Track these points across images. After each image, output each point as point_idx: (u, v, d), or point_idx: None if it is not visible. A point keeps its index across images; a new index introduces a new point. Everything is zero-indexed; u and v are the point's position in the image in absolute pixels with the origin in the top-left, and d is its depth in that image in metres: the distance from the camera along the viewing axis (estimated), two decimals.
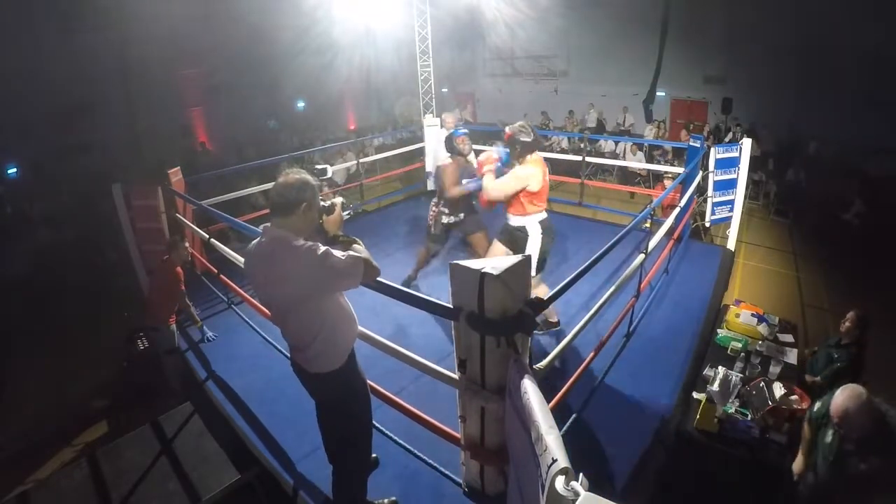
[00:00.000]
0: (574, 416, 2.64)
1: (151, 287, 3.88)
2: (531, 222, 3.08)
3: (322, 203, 1.84)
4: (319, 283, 1.67)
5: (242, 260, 1.86)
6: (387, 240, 5.42)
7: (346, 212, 2.01)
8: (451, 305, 1.73)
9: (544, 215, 3.11)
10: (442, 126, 5.76)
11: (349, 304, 1.90)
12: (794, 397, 2.66)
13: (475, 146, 3.95)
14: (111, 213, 4.36)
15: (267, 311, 2.14)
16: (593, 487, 0.94)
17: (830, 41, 8.55)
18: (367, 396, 2.02)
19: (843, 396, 2.03)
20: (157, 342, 3.73)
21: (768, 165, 8.83)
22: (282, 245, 1.65)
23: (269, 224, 1.73)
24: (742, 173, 4.71)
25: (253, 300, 3.19)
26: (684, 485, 2.51)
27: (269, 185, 5.55)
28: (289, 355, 1.94)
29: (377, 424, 2.60)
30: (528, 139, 2.96)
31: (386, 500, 2.19)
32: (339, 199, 1.96)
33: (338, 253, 1.68)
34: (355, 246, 1.84)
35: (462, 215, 3.77)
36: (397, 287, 1.93)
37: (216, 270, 3.91)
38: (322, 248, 1.64)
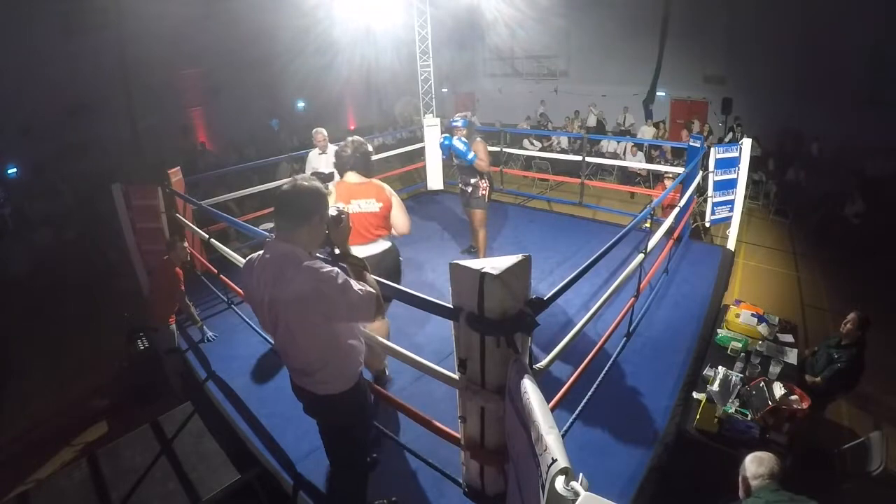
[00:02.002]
0: (574, 416, 2.64)
1: (151, 287, 3.88)
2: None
3: (329, 213, 1.67)
4: (333, 313, 1.55)
5: (243, 261, 1.74)
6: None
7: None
8: (451, 305, 1.73)
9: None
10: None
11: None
12: (794, 397, 2.66)
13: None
14: (111, 213, 4.36)
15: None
16: (593, 487, 0.94)
17: (830, 41, 8.56)
18: (369, 408, 1.97)
19: (748, 461, 1.89)
20: (156, 342, 3.73)
21: (768, 165, 8.83)
22: (293, 264, 1.49)
23: (272, 237, 1.58)
24: (742, 173, 4.71)
25: None
26: (684, 485, 2.50)
27: (240, 193, 5.43)
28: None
29: (378, 425, 2.60)
30: (340, 156, 2.58)
31: (386, 501, 2.18)
32: (342, 204, 1.78)
33: (356, 286, 1.55)
34: (368, 277, 1.70)
35: (469, 189, 4.23)
36: (397, 287, 1.93)
37: (216, 270, 3.91)
38: (342, 278, 1.51)
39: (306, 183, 1.53)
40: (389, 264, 2.69)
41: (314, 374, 1.68)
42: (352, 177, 2.59)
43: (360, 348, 1.79)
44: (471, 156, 4.01)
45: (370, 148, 2.65)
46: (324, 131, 4.99)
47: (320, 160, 4.91)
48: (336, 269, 1.53)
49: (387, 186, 2.64)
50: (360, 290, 1.55)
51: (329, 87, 11.60)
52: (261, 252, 1.61)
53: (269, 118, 11.80)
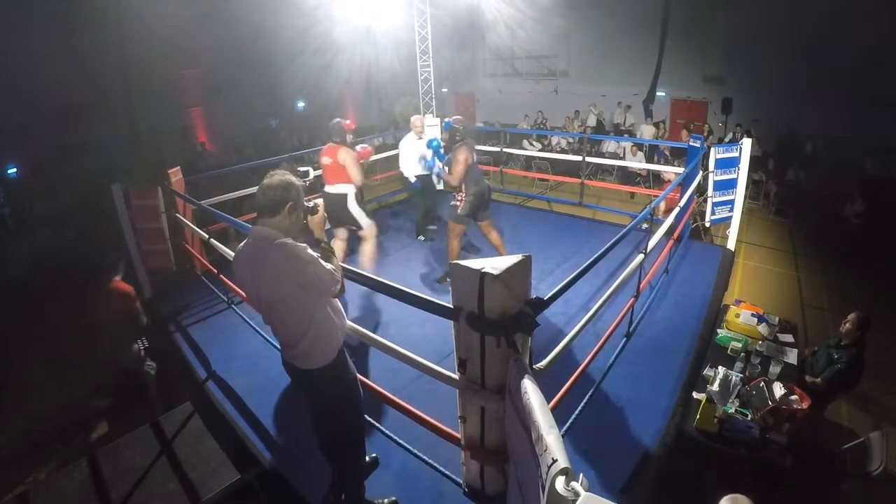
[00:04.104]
0: (574, 416, 2.64)
1: (102, 320, 3.52)
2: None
3: (306, 203, 1.90)
4: (302, 281, 1.70)
5: None
6: (387, 239, 5.42)
7: None
8: (451, 305, 1.73)
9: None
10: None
11: (337, 300, 1.93)
12: (794, 397, 2.66)
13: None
14: (111, 213, 4.36)
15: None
16: (593, 487, 0.94)
17: (830, 41, 8.55)
18: (357, 390, 2.05)
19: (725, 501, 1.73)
20: (125, 364, 3.63)
21: (768, 165, 8.83)
22: (268, 243, 1.69)
23: (256, 225, 1.79)
24: (742, 173, 4.71)
25: None
26: (684, 485, 2.50)
27: (239, 193, 5.49)
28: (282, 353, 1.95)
29: (378, 425, 2.60)
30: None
31: (386, 500, 2.19)
32: (321, 200, 2.02)
33: (325, 264, 1.75)
34: (334, 260, 1.88)
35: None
36: (397, 287, 1.93)
37: (216, 270, 3.91)
38: (310, 253, 1.71)
39: (279, 177, 1.78)
40: (337, 201, 3.81)
41: (295, 346, 1.81)
42: (331, 143, 3.83)
43: (340, 326, 1.91)
44: (435, 169, 4.17)
45: (344, 126, 3.83)
46: (422, 118, 5.57)
47: (415, 144, 5.24)
48: (308, 247, 1.74)
49: (347, 152, 3.74)
50: (330, 267, 1.77)
51: (329, 87, 11.59)
52: (246, 239, 1.83)
53: (269, 118, 11.80)
